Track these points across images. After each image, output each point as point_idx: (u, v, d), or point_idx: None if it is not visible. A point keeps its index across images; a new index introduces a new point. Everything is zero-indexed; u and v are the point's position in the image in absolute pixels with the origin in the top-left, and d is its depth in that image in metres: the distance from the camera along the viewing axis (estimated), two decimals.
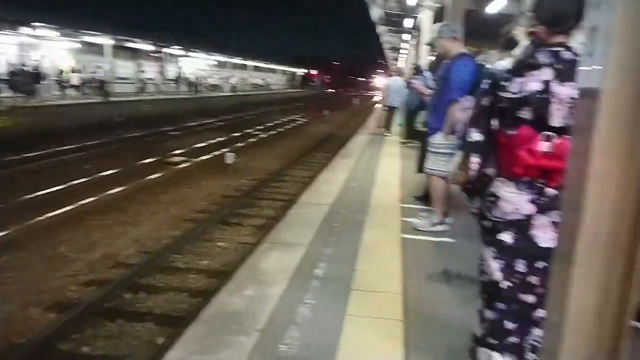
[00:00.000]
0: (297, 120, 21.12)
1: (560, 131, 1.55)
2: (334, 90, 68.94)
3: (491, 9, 9.06)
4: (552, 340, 1.15)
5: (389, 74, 15.76)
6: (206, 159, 10.10)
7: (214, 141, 12.85)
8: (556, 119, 1.55)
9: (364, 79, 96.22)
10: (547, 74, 1.57)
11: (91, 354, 3.12)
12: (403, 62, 23.97)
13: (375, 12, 15.06)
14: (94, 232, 5.41)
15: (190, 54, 32.66)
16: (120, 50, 25.45)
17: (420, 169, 4.46)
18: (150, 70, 28.42)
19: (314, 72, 79.13)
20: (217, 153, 10.63)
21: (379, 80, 50.68)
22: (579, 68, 1.05)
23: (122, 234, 5.40)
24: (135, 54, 27.38)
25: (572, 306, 1.07)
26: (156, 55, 28.88)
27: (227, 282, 2.89)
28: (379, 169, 6.65)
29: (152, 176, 8.07)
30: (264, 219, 6.03)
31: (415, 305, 2.56)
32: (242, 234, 5.50)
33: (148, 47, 27.08)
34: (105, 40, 22.87)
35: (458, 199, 4.29)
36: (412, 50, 16.12)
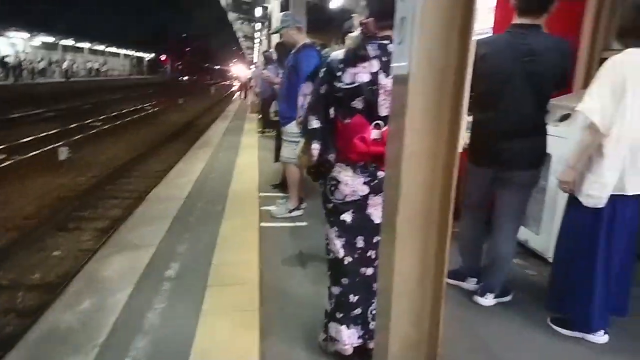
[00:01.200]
0: (147, 109, 19.47)
1: (387, 120, 1.68)
2: (186, 78, 65.42)
3: (333, 4, 9.59)
4: (383, 305, 1.25)
5: (248, 63, 15.60)
6: (33, 155, 8.62)
7: (43, 134, 11.04)
8: (383, 108, 1.68)
9: (221, 67, 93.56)
10: (375, 66, 1.68)
11: None
12: (257, 51, 23.93)
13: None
14: None
15: (8, 33, 27.46)
16: None
17: (278, 157, 4.51)
18: None
19: (163, 57, 73.87)
20: (47, 148, 9.15)
21: (236, 69, 49.72)
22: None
23: None
24: None
25: (397, 272, 1.17)
26: None
27: (60, 296, 2.52)
28: (237, 159, 6.54)
29: None
30: (109, 220, 5.43)
31: (272, 292, 2.58)
32: (82, 239, 4.86)
33: None
34: None
35: (311, 184, 4.48)
36: (264, 39, 16.17)
